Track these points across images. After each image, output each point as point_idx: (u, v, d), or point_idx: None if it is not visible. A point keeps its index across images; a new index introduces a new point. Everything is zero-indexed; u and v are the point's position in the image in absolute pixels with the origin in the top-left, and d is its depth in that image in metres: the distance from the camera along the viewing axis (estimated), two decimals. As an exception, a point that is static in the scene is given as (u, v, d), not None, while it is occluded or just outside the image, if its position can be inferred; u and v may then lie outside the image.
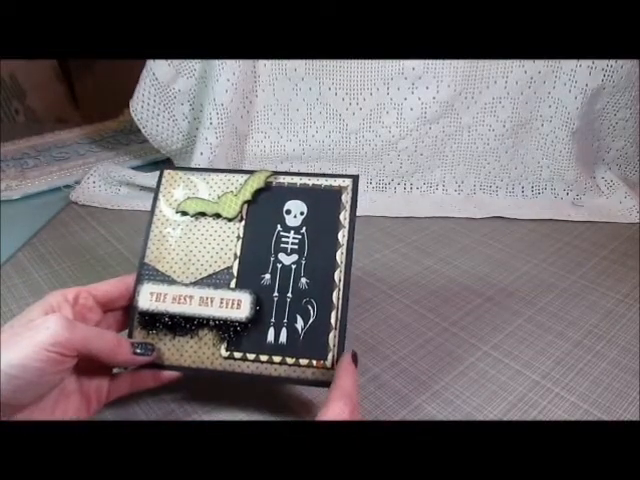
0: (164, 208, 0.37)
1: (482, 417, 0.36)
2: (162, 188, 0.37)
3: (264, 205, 0.36)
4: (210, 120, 0.64)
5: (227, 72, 0.62)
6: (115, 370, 0.33)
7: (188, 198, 0.36)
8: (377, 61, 0.64)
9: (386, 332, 0.45)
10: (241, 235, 0.35)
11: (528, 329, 0.45)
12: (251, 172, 0.37)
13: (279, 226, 0.35)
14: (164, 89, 0.67)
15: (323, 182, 0.36)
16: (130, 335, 0.34)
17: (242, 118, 0.68)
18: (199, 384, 0.38)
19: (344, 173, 0.70)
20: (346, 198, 0.35)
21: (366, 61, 0.64)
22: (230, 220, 0.36)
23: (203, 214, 0.36)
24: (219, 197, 0.36)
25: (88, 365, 0.30)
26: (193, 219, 0.36)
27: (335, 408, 0.27)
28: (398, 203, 0.69)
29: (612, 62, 0.62)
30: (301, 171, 0.71)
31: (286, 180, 0.36)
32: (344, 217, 0.35)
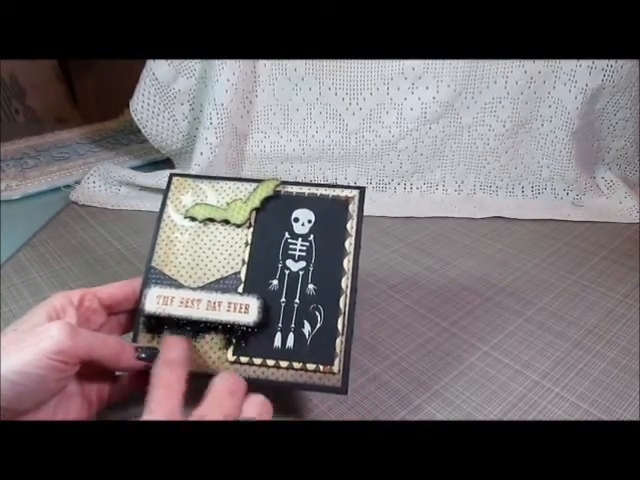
0: (172, 213, 0.37)
1: (482, 417, 0.36)
2: (170, 194, 0.37)
3: (272, 213, 0.36)
4: (210, 120, 0.64)
5: (227, 72, 0.62)
6: (117, 372, 0.33)
7: (197, 204, 0.37)
8: (377, 61, 0.64)
9: (386, 332, 0.45)
10: (249, 241, 0.36)
11: (528, 329, 0.45)
12: (259, 181, 0.37)
13: (287, 233, 0.36)
14: (164, 89, 0.67)
15: (330, 192, 0.37)
16: (135, 339, 0.34)
17: (242, 118, 0.68)
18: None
19: (344, 174, 0.71)
20: (353, 208, 0.36)
21: (366, 61, 0.64)
22: (239, 226, 0.36)
23: (212, 220, 0.36)
24: (228, 204, 0.36)
25: (90, 368, 0.30)
26: (201, 225, 0.36)
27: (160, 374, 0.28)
28: (398, 203, 0.69)
29: (612, 62, 0.62)
30: (301, 171, 0.72)
31: (294, 189, 0.37)
32: (351, 226, 0.36)
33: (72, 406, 0.30)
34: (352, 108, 0.67)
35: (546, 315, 0.47)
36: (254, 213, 0.36)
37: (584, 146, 0.69)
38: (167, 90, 0.67)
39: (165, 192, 0.38)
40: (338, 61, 0.65)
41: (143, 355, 0.31)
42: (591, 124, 0.68)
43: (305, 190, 0.37)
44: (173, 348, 0.30)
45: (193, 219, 0.36)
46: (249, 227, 0.36)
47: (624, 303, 0.49)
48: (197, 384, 0.29)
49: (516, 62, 0.63)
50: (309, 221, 0.36)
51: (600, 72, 0.62)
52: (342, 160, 0.71)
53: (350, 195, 0.37)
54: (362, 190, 0.37)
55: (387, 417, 0.36)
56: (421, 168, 0.71)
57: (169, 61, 0.65)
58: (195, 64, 0.66)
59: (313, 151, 0.70)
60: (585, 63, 0.62)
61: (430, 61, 0.63)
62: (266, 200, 0.36)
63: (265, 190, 0.36)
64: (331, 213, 0.36)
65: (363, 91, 0.66)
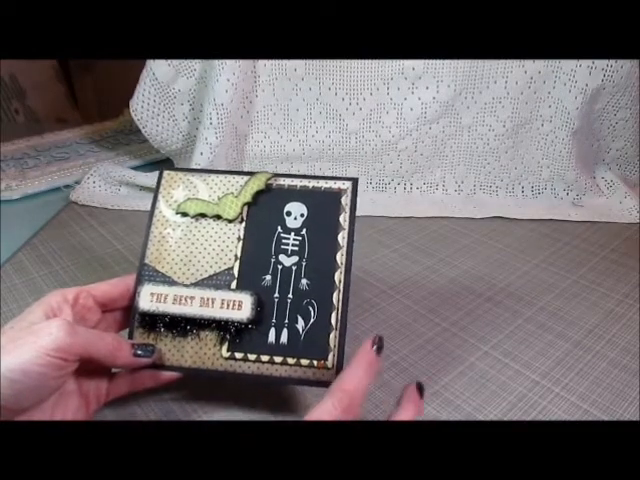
0: (164, 209, 0.37)
1: (482, 417, 0.36)
2: (162, 189, 0.37)
3: (264, 207, 0.36)
4: (210, 120, 0.64)
5: (227, 72, 0.62)
6: (114, 370, 0.33)
7: (188, 199, 0.36)
8: (377, 61, 0.64)
9: (386, 332, 0.45)
10: (241, 236, 0.35)
11: (528, 329, 0.45)
12: (251, 174, 0.37)
13: (279, 228, 0.35)
14: (164, 89, 0.67)
15: (323, 184, 0.36)
16: (131, 336, 0.34)
17: (242, 118, 0.68)
18: (199, 384, 0.38)
19: (344, 174, 0.71)
20: (346, 200, 0.36)
21: (366, 61, 0.64)
22: (230, 221, 0.36)
23: (203, 215, 0.36)
24: (219, 198, 0.36)
25: (87, 366, 0.30)
26: (193, 220, 0.36)
27: (326, 404, 0.25)
28: (398, 203, 0.69)
29: (612, 62, 0.62)
30: (301, 171, 0.72)
31: (286, 182, 0.37)
32: (344, 219, 0.35)
33: (70, 405, 0.30)
34: (352, 108, 0.67)
35: (546, 315, 0.47)
36: (246, 207, 0.36)
37: (584, 146, 0.69)
38: (167, 90, 0.67)
39: (156, 187, 0.37)
40: (338, 61, 0.65)
41: (139, 352, 0.31)
42: (591, 124, 0.68)
43: (297, 183, 0.36)
44: (352, 372, 0.28)
45: (185, 214, 0.36)
46: (241, 222, 0.36)
47: (624, 303, 0.49)
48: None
49: (516, 62, 0.63)
50: (301, 215, 0.36)
51: (600, 72, 0.62)
52: (342, 160, 0.71)
53: (343, 187, 0.36)
54: (355, 181, 0.36)
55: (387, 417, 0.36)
56: (421, 168, 0.71)
57: (169, 61, 0.65)
58: (195, 64, 0.66)
59: (313, 151, 0.70)
60: (585, 63, 0.62)
61: (430, 61, 0.63)
62: (258, 194, 0.36)
63: (257, 184, 0.36)
64: (324, 206, 0.36)
65: (363, 91, 0.66)
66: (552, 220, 0.65)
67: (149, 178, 0.69)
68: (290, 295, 0.34)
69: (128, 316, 0.35)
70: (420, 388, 0.29)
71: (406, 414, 0.28)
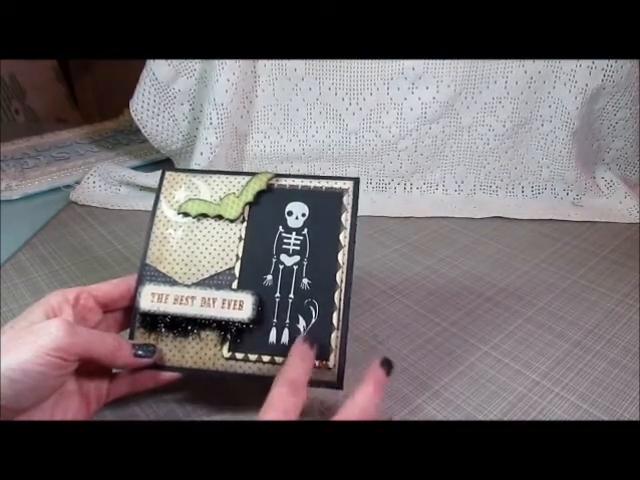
0: (165, 209, 0.37)
1: (482, 417, 0.36)
2: (163, 189, 0.37)
3: (266, 206, 0.36)
4: (210, 120, 0.64)
5: (227, 72, 0.62)
6: (115, 370, 0.33)
7: (190, 199, 0.36)
8: (377, 61, 0.64)
9: (386, 332, 0.45)
10: (243, 236, 0.36)
11: (528, 329, 0.45)
12: (252, 174, 0.37)
13: (281, 227, 0.35)
14: (164, 89, 0.67)
15: (324, 184, 0.36)
16: (131, 336, 0.34)
17: (242, 118, 0.68)
18: (200, 384, 0.38)
19: (344, 174, 0.71)
20: (347, 200, 0.36)
21: (366, 61, 0.64)
22: (232, 221, 0.36)
23: (205, 215, 0.36)
24: (221, 199, 0.36)
25: (88, 366, 0.30)
26: (195, 220, 0.36)
27: (273, 391, 0.27)
28: (398, 203, 0.69)
29: (612, 62, 0.62)
30: (301, 171, 0.72)
31: (287, 182, 0.37)
32: (345, 219, 0.35)
33: (70, 405, 0.30)
34: (352, 108, 0.67)
35: (546, 315, 0.47)
36: (247, 207, 0.36)
37: (584, 146, 0.69)
38: (167, 90, 0.67)
39: (158, 188, 0.37)
40: (338, 61, 0.65)
41: (140, 352, 0.31)
42: (591, 124, 0.68)
43: (298, 183, 0.37)
44: (297, 368, 0.29)
45: (186, 215, 0.36)
46: (243, 222, 0.36)
47: (624, 303, 0.49)
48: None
49: (516, 62, 0.63)
50: (303, 214, 0.36)
51: (600, 72, 0.62)
52: (342, 160, 0.71)
53: (344, 187, 0.36)
54: (356, 181, 0.36)
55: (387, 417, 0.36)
56: (421, 168, 0.71)
57: (169, 61, 0.65)
58: (195, 64, 0.66)
59: (313, 151, 0.70)
60: (585, 63, 0.62)
61: (430, 61, 0.63)
62: (259, 194, 0.36)
63: (258, 184, 0.36)
64: (325, 206, 0.36)
65: (363, 91, 0.66)
66: (552, 220, 0.65)
67: (149, 178, 0.69)
68: (291, 295, 0.34)
69: (129, 316, 0.34)
70: (386, 364, 0.30)
71: (366, 389, 0.28)
